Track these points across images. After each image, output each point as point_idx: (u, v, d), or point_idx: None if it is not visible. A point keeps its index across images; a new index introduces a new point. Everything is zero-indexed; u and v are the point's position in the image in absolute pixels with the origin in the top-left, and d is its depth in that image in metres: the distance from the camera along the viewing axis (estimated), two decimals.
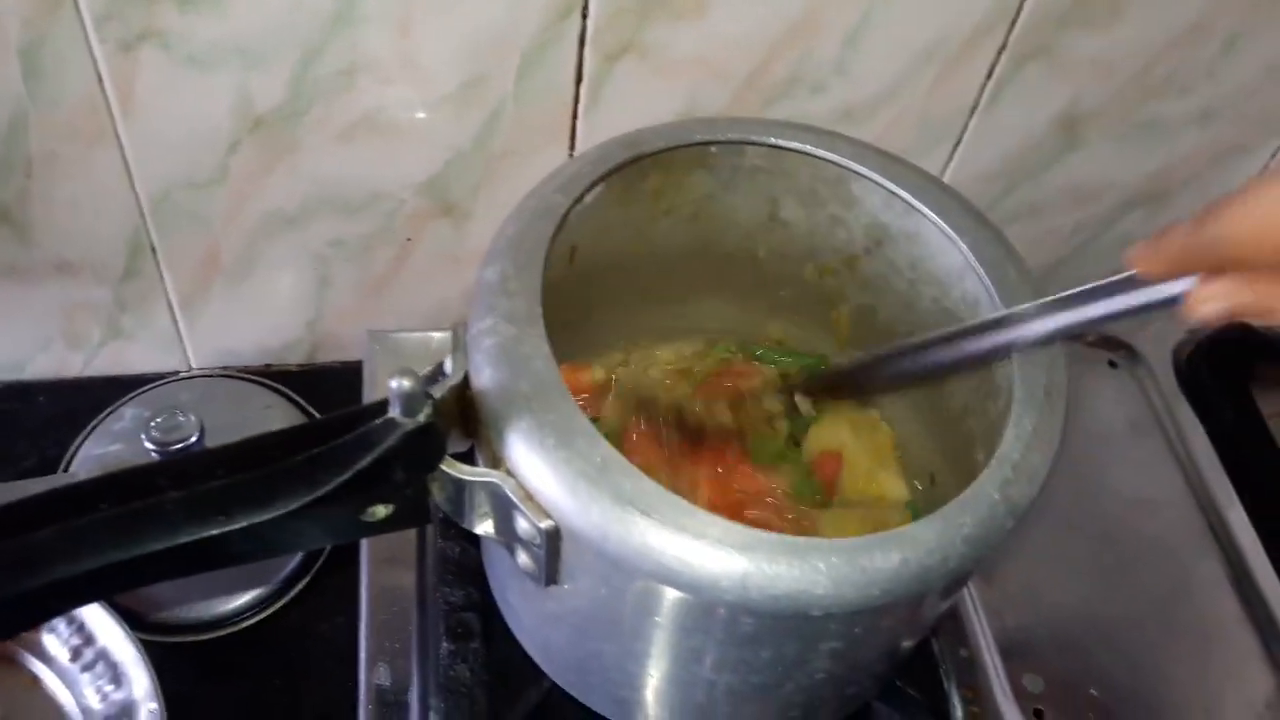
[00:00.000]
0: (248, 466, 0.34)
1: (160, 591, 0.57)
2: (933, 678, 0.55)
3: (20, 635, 0.53)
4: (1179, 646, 0.59)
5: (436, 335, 0.65)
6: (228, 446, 0.34)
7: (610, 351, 0.56)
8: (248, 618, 0.58)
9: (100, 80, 0.52)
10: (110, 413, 0.64)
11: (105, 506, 0.33)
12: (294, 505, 0.34)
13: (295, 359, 0.69)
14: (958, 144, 0.66)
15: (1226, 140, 0.70)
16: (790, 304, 0.55)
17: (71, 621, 0.53)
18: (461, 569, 0.54)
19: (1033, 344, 0.40)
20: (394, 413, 0.34)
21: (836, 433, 0.53)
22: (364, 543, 0.56)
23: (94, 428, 0.64)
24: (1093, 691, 0.56)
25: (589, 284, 0.49)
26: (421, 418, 0.34)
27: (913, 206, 0.46)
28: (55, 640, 0.53)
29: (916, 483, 0.52)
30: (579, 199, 0.44)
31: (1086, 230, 0.74)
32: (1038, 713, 0.55)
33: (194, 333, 0.66)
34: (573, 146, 0.60)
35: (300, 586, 0.60)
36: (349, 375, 0.66)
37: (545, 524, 0.36)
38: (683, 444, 0.49)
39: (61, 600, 0.33)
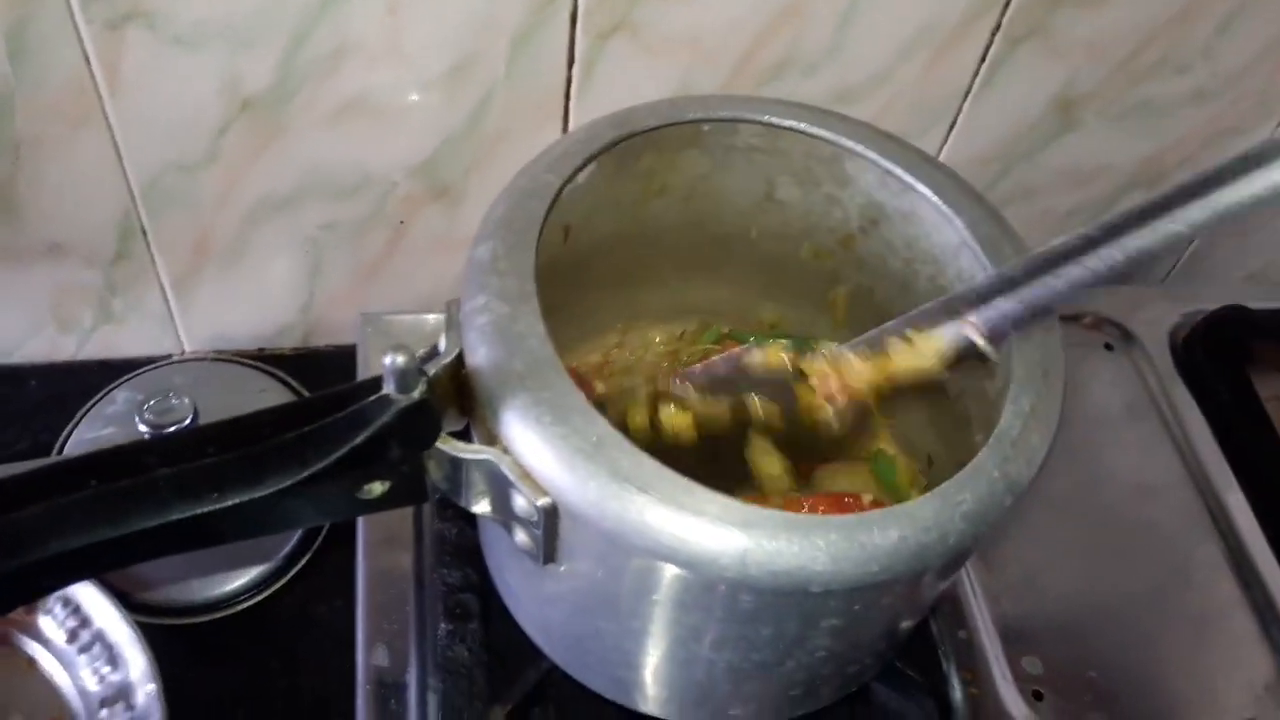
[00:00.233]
0: (239, 444, 0.34)
1: (157, 573, 0.57)
2: (932, 659, 0.55)
3: (16, 617, 0.52)
4: (1177, 629, 0.59)
5: (430, 318, 0.65)
6: (219, 424, 0.34)
7: (605, 333, 0.56)
8: (245, 600, 0.58)
9: (87, 60, 0.51)
10: (103, 396, 0.64)
11: (94, 484, 0.32)
12: (286, 483, 0.33)
13: (289, 343, 0.69)
14: (952, 126, 0.66)
15: (1222, 121, 0.70)
16: (786, 285, 0.55)
17: (68, 603, 0.53)
18: (459, 550, 0.54)
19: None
20: (388, 389, 0.34)
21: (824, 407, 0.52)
22: (360, 524, 0.56)
23: (87, 411, 0.63)
24: (1092, 674, 0.56)
25: (583, 265, 0.49)
26: (416, 394, 0.34)
27: (908, 185, 0.46)
28: (52, 622, 0.53)
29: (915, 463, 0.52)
30: (570, 178, 0.43)
31: (1082, 213, 0.74)
32: (1037, 694, 0.55)
33: (186, 316, 0.66)
34: (565, 127, 0.60)
35: (297, 569, 0.59)
36: (343, 359, 0.66)
37: (542, 501, 0.36)
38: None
39: (52, 578, 0.32)
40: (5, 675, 0.53)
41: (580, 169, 0.43)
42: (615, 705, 0.47)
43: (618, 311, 0.56)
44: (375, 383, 0.34)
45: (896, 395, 0.53)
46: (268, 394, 0.65)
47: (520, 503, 0.37)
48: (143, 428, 0.55)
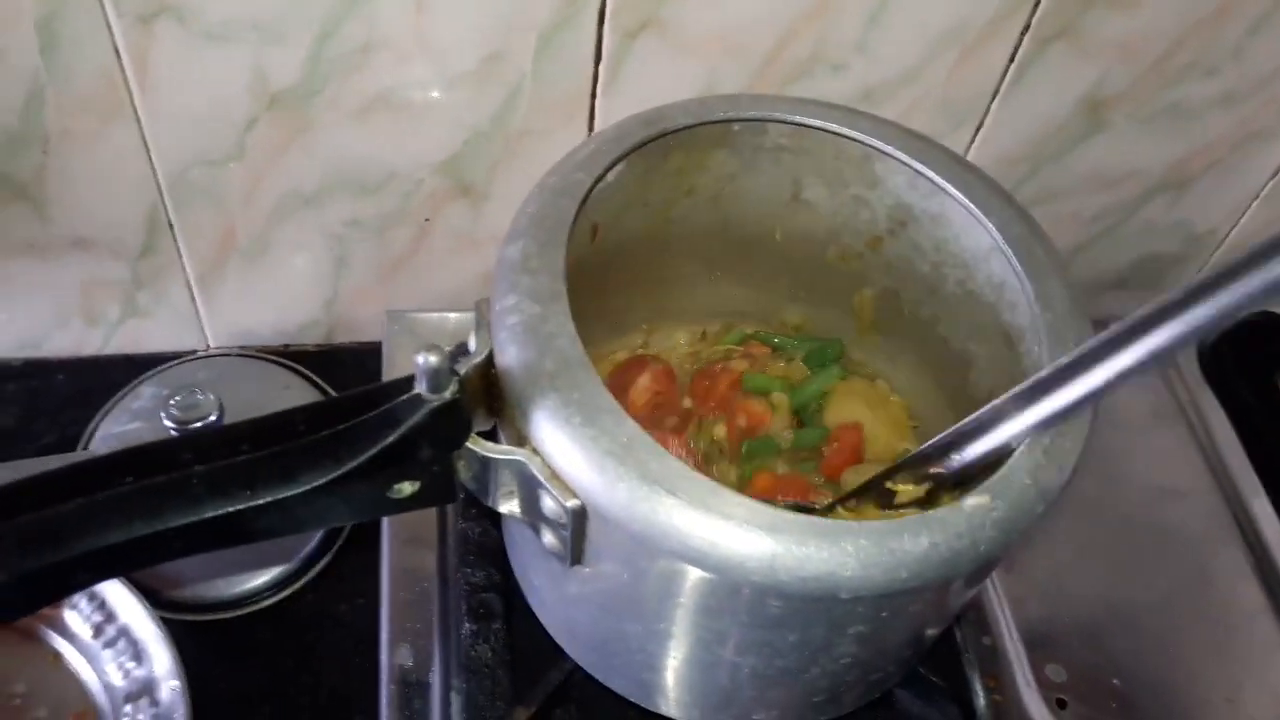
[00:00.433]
0: (272, 442, 0.34)
1: (181, 570, 0.57)
2: (955, 666, 0.55)
3: (43, 612, 0.53)
4: (1202, 636, 0.58)
5: (455, 316, 0.65)
6: (252, 421, 0.34)
7: (630, 333, 0.56)
8: (268, 597, 0.58)
9: (118, 54, 0.51)
10: (129, 391, 0.64)
11: (130, 480, 0.32)
12: (319, 481, 0.34)
13: (312, 339, 0.69)
14: (980, 126, 0.65)
15: (1251, 125, 0.69)
16: (811, 287, 0.55)
17: (93, 599, 0.53)
18: (482, 550, 0.54)
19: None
20: (420, 389, 0.34)
21: (853, 407, 0.52)
22: (385, 523, 0.56)
23: (113, 406, 0.64)
24: (1115, 681, 0.56)
25: (610, 264, 0.49)
26: (448, 394, 0.34)
27: (939, 186, 0.46)
28: (77, 617, 0.53)
29: None
30: (601, 177, 0.43)
31: (1108, 217, 0.74)
32: (1060, 702, 0.54)
33: (211, 311, 0.66)
34: (591, 126, 0.60)
35: (319, 567, 0.60)
36: (366, 356, 0.66)
37: (571, 503, 0.36)
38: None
39: (86, 574, 0.32)
40: (31, 669, 0.53)
41: (611, 168, 0.43)
42: (637, 707, 0.47)
43: (643, 311, 0.56)
44: (407, 382, 0.34)
45: (923, 391, 0.53)
46: (291, 390, 0.66)
47: (549, 504, 0.37)
48: (168, 423, 0.55)
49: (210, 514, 0.33)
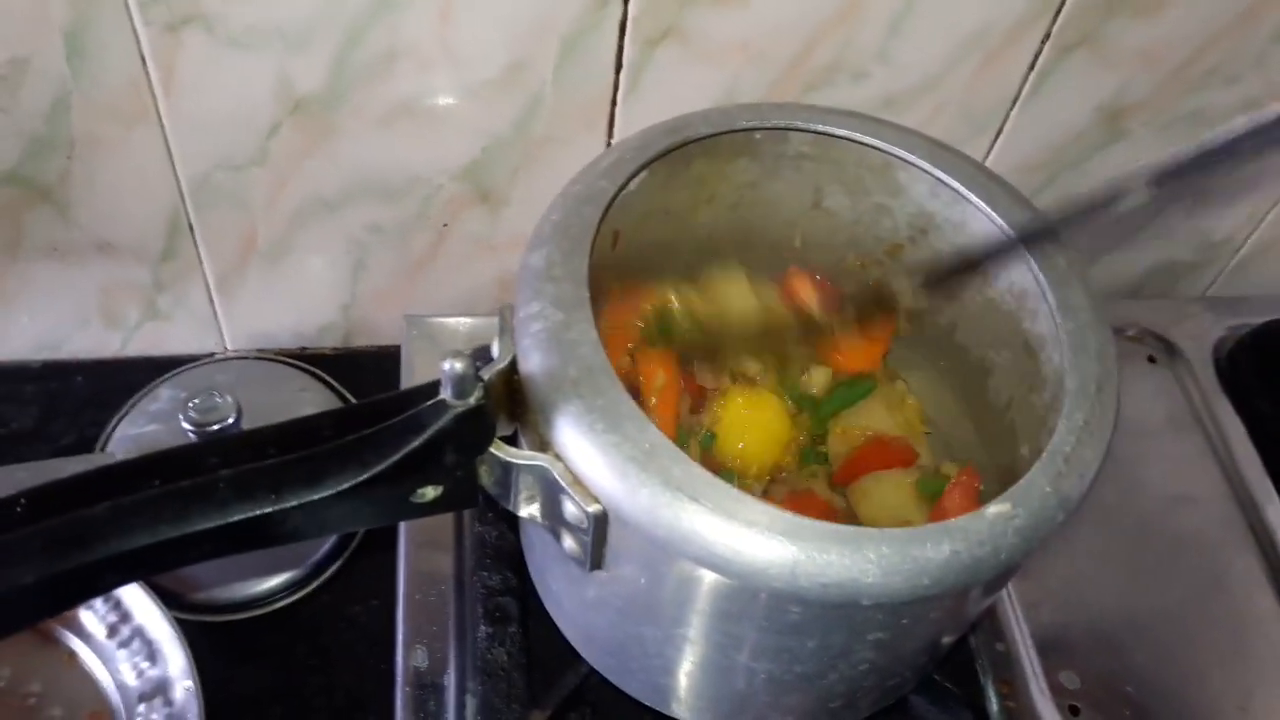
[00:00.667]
0: (298, 446, 0.34)
1: (195, 571, 0.57)
2: (969, 672, 0.55)
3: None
4: (1216, 644, 0.58)
5: (473, 320, 0.65)
6: (278, 426, 0.34)
7: None
8: (282, 598, 0.58)
9: (144, 61, 0.52)
10: (147, 393, 0.65)
11: (156, 484, 0.33)
12: (344, 486, 0.34)
13: (330, 343, 0.69)
14: (999, 134, 0.65)
15: None
16: None
17: (108, 599, 0.53)
18: (499, 553, 0.54)
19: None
20: (445, 394, 0.34)
21: (871, 409, 0.52)
22: (402, 527, 0.56)
23: (130, 407, 0.64)
24: (1128, 689, 0.56)
25: (630, 272, 0.49)
26: (473, 400, 0.34)
27: (961, 195, 0.46)
28: (92, 617, 0.53)
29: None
30: (624, 185, 0.44)
31: (1126, 224, 0.73)
32: (1073, 709, 0.54)
33: (230, 315, 0.66)
34: (611, 133, 0.60)
35: (334, 569, 0.60)
36: (383, 360, 0.67)
37: (593, 508, 0.36)
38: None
39: (113, 576, 0.33)
40: (46, 669, 0.53)
41: (634, 176, 0.43)
42: (653, 712, 0.47)
43: None
44: (432, 388, 0.35)
45: (939, 396, 0.53)
46: (308, 393, 0.66)
47: (571, 509, 0.37)
48: (186, 425, 0.55)
49: (236, 517, 0.33)
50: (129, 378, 0.65)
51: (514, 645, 0.51)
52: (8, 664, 0.53)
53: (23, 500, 0.31)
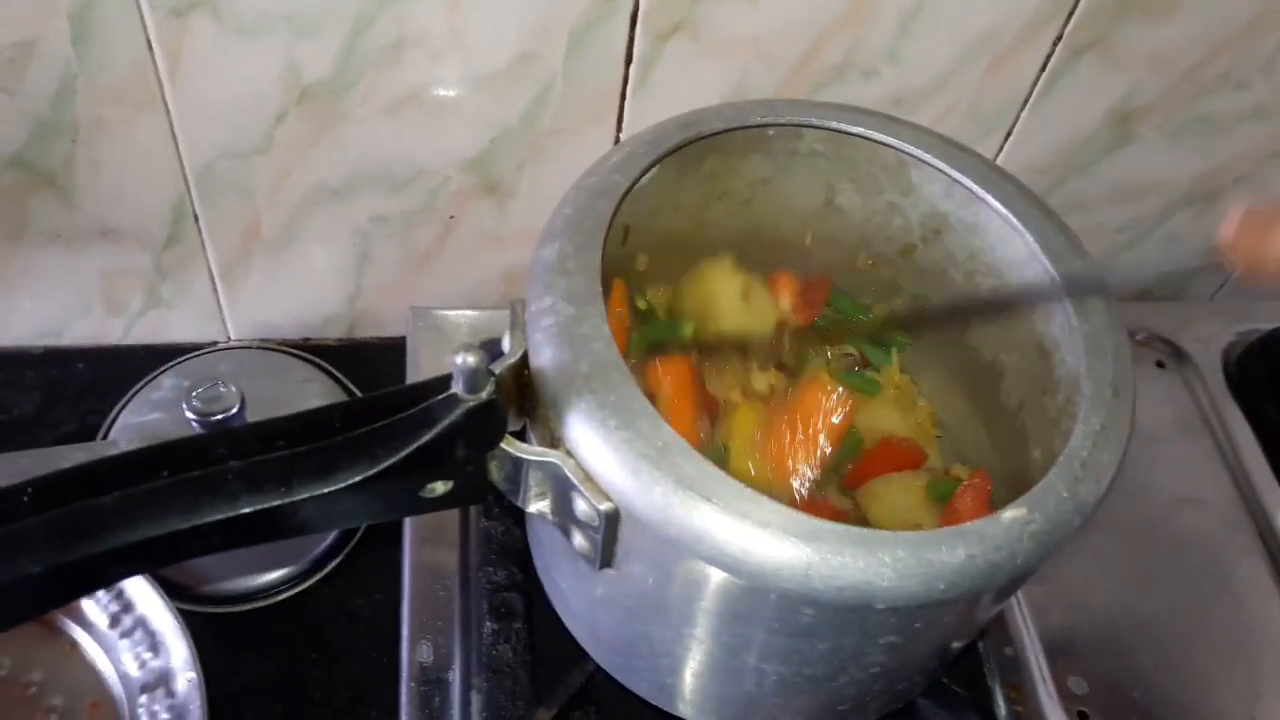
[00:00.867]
0: (308, 439, 0.34)
1: (199, 563, 0.57)
2: (977, 676, 0.54)
3: None
4: (1224, 650, 0.58)
5: (479, 314, 0.64)
6: (287, 418, 0.34)
7: None
8: (285, 590, 0.58)
9: (150, 46, 0.51)
10: (149, 381, 0.64)
11: (165, 475, 0.32)
12: (354, 479, 0.33)
13: (334, 334, 0.69)
14: (1008, 135, 0.65)
15: None
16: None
17: (111, 589, 0.53)
18: (505, 549, 0.54)
19: None
20: (457, 388, 0.33)
21: (883, 411, 0.52)
22: (407, 521, 0.56)
23: (132, 396, 0.63)
24: (1136, 694, 0.56)
25: (640, 266, 0.48)
26: (484, 395, 0.34)
27: (975, 195, 0.46)
28: (95, 607, 0.53)
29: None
30: (637, 179, 0.43)
31: (1134, 228, 0.73)
32: (1081, 714, 0.54)
33: (233, 304, 0.66)
34: (619, 127, 0.60)
35: (337, 562, 0.59)
36: (387, 351, 0.66)
37: (604, 506, 0.36)
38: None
39: (120, 567, 0.32)
40: (48, 658, 0.53)
41: (647, 170, 0.43)
42: (660, 711, 0.47)
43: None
44: (443, 382, 0.34)
45: (950, 398, 0.53)
46: (312, 384, 0.65)
47: (581, 506, 0.37)
48: (190, 415, 0.55)
49: (245, 510, 0.32)
50: (131, 365, 0.65)
51: (519, 642, 0.51)
52: (9, 653, 0.53)
53: (29, 489, 0.31)
